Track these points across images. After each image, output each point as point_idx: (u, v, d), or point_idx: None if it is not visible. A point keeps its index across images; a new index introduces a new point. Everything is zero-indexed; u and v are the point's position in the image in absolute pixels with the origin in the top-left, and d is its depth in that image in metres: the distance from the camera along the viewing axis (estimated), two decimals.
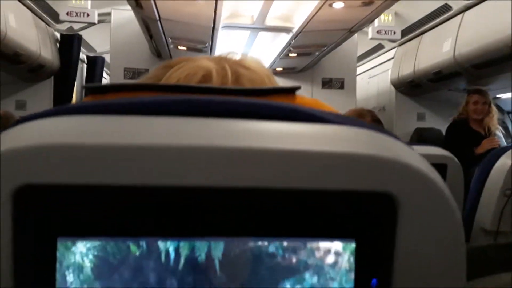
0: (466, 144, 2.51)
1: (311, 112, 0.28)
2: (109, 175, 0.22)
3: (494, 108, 2.68)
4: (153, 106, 0.27)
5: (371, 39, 3.51)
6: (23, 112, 3.33)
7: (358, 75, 4.15)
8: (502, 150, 1.01)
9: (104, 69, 4.37)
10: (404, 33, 3.51)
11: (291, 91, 0.33)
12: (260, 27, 2.96)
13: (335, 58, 3.76)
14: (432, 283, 0.25)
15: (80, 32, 3.72)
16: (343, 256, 0.24)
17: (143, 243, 0.23)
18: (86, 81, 4.05)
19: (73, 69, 3.70)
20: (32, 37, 3.14)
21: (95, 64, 4.09)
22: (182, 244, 0.23)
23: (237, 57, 0.42)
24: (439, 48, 3.11)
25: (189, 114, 0.26)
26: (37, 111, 0.28)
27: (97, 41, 4.24)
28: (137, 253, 0.23)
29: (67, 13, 3.24)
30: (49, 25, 3.54)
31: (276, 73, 3.83)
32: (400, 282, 0.24)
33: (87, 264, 0.22)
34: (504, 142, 2.75)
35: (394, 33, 3.42)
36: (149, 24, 2.80)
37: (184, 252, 0.23)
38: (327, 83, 3.93)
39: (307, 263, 0.24)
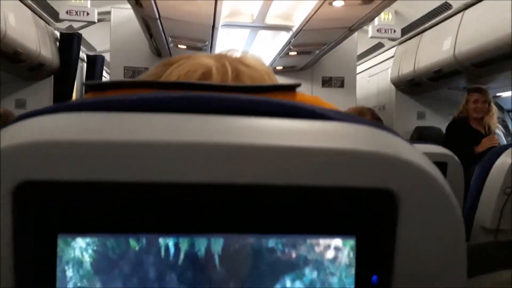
0: (466, 142, 2.51)
1: (312, 109, 0.27)
2: (109, 172, 0.22)
3: (494, 107, 2.68)
4: (153, 103, 0.27)
5: (371, 37, 3.51)
6: (23, 111, 3.31)
7: (358, 73, 4.15)
8: (502, 149, 1.01)
9: (104, 68, 4.36)
10: (404, 31, 3.50)
11: (291, 88, 0.33)
12: (260, 25, 2.95)
13: (335, 57, 3.76)
14: (433, 280, 0.25)
15: (80, 31, 3.71)
16: (343, 251, 0.24)
17: (142, 238, 0.23)
18: (86, 80, 4.05)
19: (73, 68, 3.69)
20: (32, 35, 3.14)
21: (95, 63, 4.09)
22: (181, 239, 0.23)
23: (237, 54, 0.42)
24: (439, 46, 3.10)
25: (189, 111, 0.26)
26: None
27: (97, 40, 4.23)
28: (137, 248, 0.23)
29: (66, 12, 3.24)
30: (48, 24, 3.53)
31: (276, 71, 3.82)
32: (400, 279, 0.24)
33: (87, 259, 0.22)
34: (504, 141, 2.75)
35: (394, 31, 3.42)
36: (149, 23, 2.80)
37: (183, 247, 0.23)
38: (327, 82, 3.93)
39: (307, 258, 0.24)
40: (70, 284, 0.22)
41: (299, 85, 0.33)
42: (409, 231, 0.24)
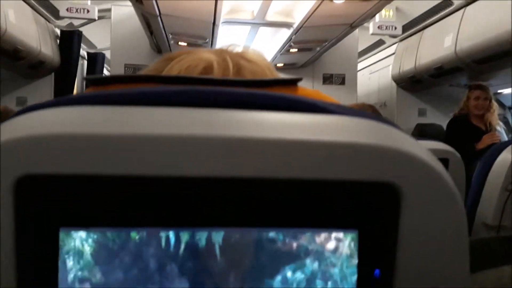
0: (467, 139, 2.50)
1: (313, 102, 0.27)
2: (109, 165, 0.22)
3: (495, 104, 2.67)
4: (154, 97, 0.27)
5: (372, 34, 3.49)
6: None
7: (359, 70, 4.14)
8: (504, 145, 1.01)
9: (105, 65, 4.36)
10: (405, 28, 3.49)
11: (292, 82, 0.33)
12: (261, 22, 2.95)
13: (336, 54, 3.75)
14: (435, 274, 0.24)
15: (80, 28, 3.71)
16: (343, 242, 0.24)
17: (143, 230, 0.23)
18: None
19: (74, 66, 3.69)
20: (32, 33, 3.13)
21: (96, 60, 4.09)
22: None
23: (238, 49, 0.42)
24: (440, 43, 3.10)
25: (190, 105, 0.26)
26: None
27: (97, 37, 4.23)
28: (137, 239, 0.23)
29: (67, 9, 3.23)
30: (49, 21, 3.53)
31: (277, 68, 3.76)
32: (403, 272, 0.24)
33: (87, 249, 0.22)
34: (505, 137, 2.74)
35: (395, 28, 3.40)
36: (149, 20, 2.79)
37: (184, 237, 0.23)
38: (328, 79, 3.92)
39: (308, 249, 0.23)
40: (71, 275, 0.22)
41: (300, 79, 0.33)
42: (412, 225, 0.24)
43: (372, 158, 0.23)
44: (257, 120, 0.24)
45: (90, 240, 0.22)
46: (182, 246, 0.23)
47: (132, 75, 0.31)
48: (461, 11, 2.92)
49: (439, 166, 0.25)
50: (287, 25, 2.93)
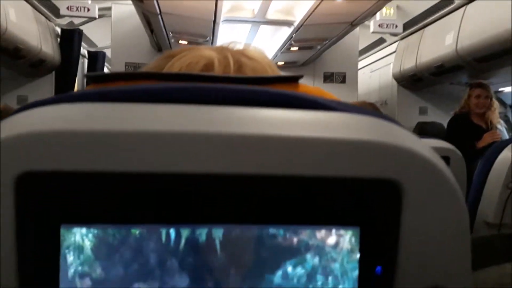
0: (467, 138, 2.50)
1: (314, 99, 0.27)
2: (110, 162, 0.22)
3: (495, 102, 2.67)
4: (155, 94, 0.26)
5: (373, 32, 3.49)
6: None
7: (360, 69, 4.13)
8: (505, 143, 1.01)
9: (105, 64, 4.36)
10: (406, 26, 3.49)
11: (294, 79, 0.32)
12: (261, 20, 2.95)
13: (337, 52, 3.75)
14: (437, 271, 0.24)
15: (81, 27, 3.71)
16: (344, 237, 0.24)
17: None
18: None
19: (74, 64, 3.69)
20: (33, 31, 3.13)
21: (96, 59, 4.08)
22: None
23: (239, 47, 0.42)
24: (441, 41, 3.09)
25: (191, 101, 0.26)
26: None
27: (98, 36, 4.23)
28: (138, 234, 0.22)
29: (67, 8, 3.23)
30: (49, 20, 3.53)
31: (278, 67, 3.79)
32: (404, 269, 0.24)
33: (87, 244, 0.22)
34: (506, 136, 2.73)
35: (396, 26, 3.40)
36: (149, 18, 2.79)
37: (184, 233, 0.23)
38: (328, 77, 3.92)
39: (308, 244, 0.23)
40: (71, 270, 0.22)
41: (301, 76, 0.33)
42: (413, 222, 0.24)
43: (374, 155, 0.23)
44: (258, 117, 0.24)
45: (90, 235, 0.22)
46: (183, 242, 0.23)
47: (133, 72, 0.31)
48: (462, 9, 2.92)
49: (440, 163, 0.24)
50: (287, 23, 2.93)
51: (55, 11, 3.43)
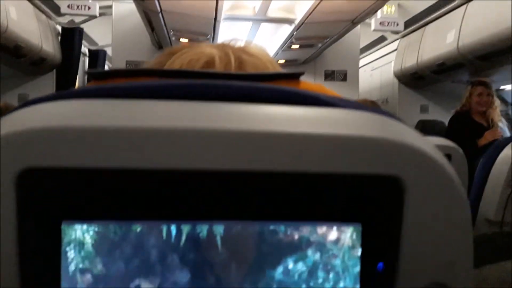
0: (468, 136, 2.49)
1: (316, 95, 0.27)
2: (111, 158, 0.22)
3: (496, 100, 2.66)
4: (155, 90, 0.26)
5: (374, 30, 3.49)
6: None
7: (361, 67, 4.13)
8: (506, 141, 1.01)
9: (106, 62, 4.36)
10: (407, 24, 3.48)
11: (295, 76, 0.32)
12: (262, 18, 2.94)
13: (338, 50, 3.74)
14: (439, 268, 0.24)
15: (82, 25, 3.71)
16: (345, 233, 0.23)
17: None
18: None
19: (75, 63, 3.69)
20: (34, 30, 3.13)
21: (97, 57, 4.09)
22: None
23: (240, 44, 0.42)
24: (442, 39, 3.08)
25: (192, 98, 0.26)
26: None
27: (98, 34, 4.23)
28: (138, 230, 0.22)
29: (68, 6, 3.23)
30: (50, 18, 3.52)
31: (279, 65, 3.80)
32: (406, 266, 0.24)
33: (88, 240, 0.22)
34: (507, 133, 2.72)
35: (397, 24, 3.40)
36: (150, 17, 2.79)
37: (185, 228, 0.23)
38: (329, 75, 3.91)
39: (309, 240, 0.23)
40: (72, 266, 0.22)
41: (302, 73, 0.33)
42: (415, 218, 0.24)
43: (376, 151, 0.23)
44: (260, 113, 0.24)
45: (91, 231, 0.22)
46: (184, 237, 0.23)
47: (134, 69, 0.31)
48: (464, 6, 2.91)
49: (442, 159, 0.24)
50: (288, 21, 2.93)
51: (56, 9, 3.43)
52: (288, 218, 0.23)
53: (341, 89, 3.75)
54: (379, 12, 3.15)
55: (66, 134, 0.21)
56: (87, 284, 0.22)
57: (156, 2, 2.43)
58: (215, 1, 2.35)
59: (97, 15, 3.35)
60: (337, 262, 0.24)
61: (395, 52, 3.92)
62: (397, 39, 3.90)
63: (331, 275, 0.24)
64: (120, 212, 0.22)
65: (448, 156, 1.07)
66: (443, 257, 0.24)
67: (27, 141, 0.21)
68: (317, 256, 0.24)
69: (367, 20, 3.10)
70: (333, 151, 0.23)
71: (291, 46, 3.36)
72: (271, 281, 0.23)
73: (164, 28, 2.95)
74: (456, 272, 0.25)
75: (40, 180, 0.21)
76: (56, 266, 0.22)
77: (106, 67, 4.44)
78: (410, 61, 3.59)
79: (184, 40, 3.20)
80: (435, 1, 3.14)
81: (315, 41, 3.28)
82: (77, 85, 3.82)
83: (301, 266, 0.23)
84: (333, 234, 0.23)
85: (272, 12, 2.86)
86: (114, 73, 0.31)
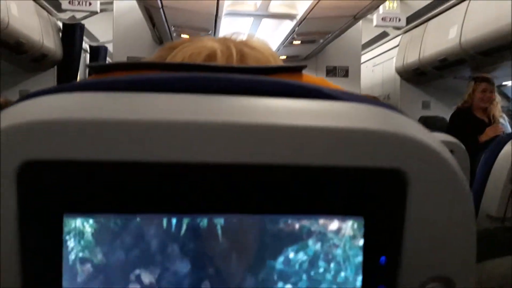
0: (470, 132, 2.49)
1: (319, 88, 0.27)
2: (112, 151, 0.21)
3: (497, 96, 2.65)
4: (157, 83, 0.26)
5: (376, 26, 3.47)
6: None
7: (362, 63, 4.12)
8: (508, 137, 1.00)
9: (107, 58, 4.36)
10: (409, 20, 3.46)
11: (297, 69, 0.32)
12: (264, 14, 2.93)
13: (340, 46, 3.73)
14: (442, 261, 0.24)
15: (83, 21, 3.70)
16: (347, 223, 0.23)
17: None
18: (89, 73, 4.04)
19: (76, 59, 3.69)
20: (35, 26, 3.13)
21: (98, 53, 4.08)
22: None
23: (242, 37, 0.42)
24: (445, 35, 3.07)
25: (194, 91, 0.25)
26: None
27: (99, 30, 4.22)
28: (139, 219, 0.22)
29: (69, 2, 3.23)
30: (51, 14, 3.52)
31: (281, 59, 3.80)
32: (409, 260, 0.24)
33: (88, 229, 0.22)
34: (509, 129, 2.71)
35: (399, 20, 3.38)
36: (151, 12, 2.78)
37: (186, 218, 0.23)
38: (331, 71, 3.90)
39: (310, 229, 0.23)
40: (72, 255, 0.22)
41: (305, 66, 0.33)
42: (418, 211, 0.23)
43: (378, 144, 0.23)
44: (262, 106, 0.24)
45: (91, 221, 0.22)
46: (184, 227, 0.23)
47: (135, 62, 0.31)
48: (466, 2, 2.89)
49: (445, 152, 0.24)
50: (290, 16, 2.92)
51: (57, 5, 3.42)
52: (290, 212, 0.23)
53: (343, 85, 3.70)
54: (381, 7, 3.14)
55: (67, 127, 0.21)
56: (87, 274, 0.22)
57: None
58: None
59: (98, 11, 3.34)
60: (338, 252, 0.24)
61: (397, 48, 3.90)
62: (399, 34, 3.88)
63: (332, 265, 0.24)
64: (121, 205, 0.22)
65: (450, 152, 1.07)
66: (446, 250, 0.24)
67: (28, 133, 0.21)
68: (318, 246, 0.23)
69: (369, 16, 3.08)
70: (335, 144, 0.23)
71: (292, 42, 3.35)
72: (272, 271, 0.23)
73: (165, 24, 2.95)
74: (459, 265, 0.24)
75: (41, 173, 0.21)
76: (57, 257, 0.22)
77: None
78: (412, 57, 3.58)
79: (185, 36, 3.19)
80: None
81: (317, 36, 3.27)
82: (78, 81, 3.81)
83: (302, 256, 0.23)
84: (334, 224, 0.23)
85: (274, 8, 2.85)
86: (115, 67, 0.31)
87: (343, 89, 0.30)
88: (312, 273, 0.23)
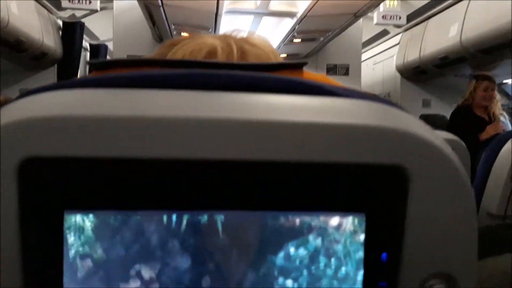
0: (470, 130, 2.48)
1: (320, 85, 0.27)
2: (112, 148, 0.21)
3: (497, 94, 2.65)
4: (157, 80, 0.26)
5: (376, 24, 3.46)
6: None
7: (363, 61, 4.11)
8: (509, 135, 1.00)
9: (108, 56, 4.35)
10: (409, 18, 3.45)
11: (298, 66, 0.32)
12: (264, 11, 2.93)
13: (340, 44, 3.72)
14: (443, 257, 0.24)
15: (83, 20, 3.69)
16: (347, 219, 0.23)
17: None
18: (89, 71, 4.04)
19: (76, 57, 3.69)
20: (35, 24, 3.12)
21: (98, 52, 4.08)
22: None
23: (242, 34, 0.42)
24: (445, 33, 3.06)
25: (194, 87, 0.25)
26: None
27: (99, 28, 4.21)
28: (139, 216, 0.22)
29: (69, 0, 3.22)
30: (51, 13, 3.51)
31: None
32: (410, 256, 0.24)
33: (88, 225, 0.22)
34: (509, 127, 2.71)
35: (400, 18, 3.37)
36: (151, 10, 2.77)
37: (186, 214, 0.23)
38: (331, 70, 3.90)
39: (311, 225, 0.23)
40: (72, 251, 0.22)
41: (306, 63, 0.32)
42: (419, 208, 0.23)
43: (379, 141, 0.23)
44: (263, 103, 0.24)
45: (91, 216, 0.22)
46: (184, 223, 0.23)
47: (135, 59, 0.31)
48: (467, 0, 2.89)
49: (447, 149, 0.24)
50: (290, 14, 2.91)
51: (57, 4, 3.41)
52: (291, 208, 0.23)
53: (343, 83, 3.64)
54: (381, 5, 3.13)
55: (67, 124, 0.21)
56: (87, 269, 0.22)
57: None
58: None
59: (98, 9, 3.33)
60: (339, 247, 0.23)
61: (398, 46, 3.90)
62: (400, 32, 3.88)
63: (332, 260, 0.23)
64: (122, 201, 0.22)
65: None
66: (448, 247, 0.24)
67: (28, 130, 0.21)
68: (319, 241, 0.23)
69: (370, 14, 3.08)
70: (336, 141, 0.23)
71: (293, 40, 3.34)
72: (273, 266, 0.23)
73: (165, 22, 2.94)
74: (461, 262, 0.24)
75: (41, 170, 0.21)
76: (58, 254, 0.22)
77: None
78: (412, 55, 3.57)
79: (185, 34, 3.19)
80: None
81: (317, 34, 3.26)
82: None
83: (302, 251, 0.23)
84: (335, 220, 0.23)
85: (274, 6, 2.84)
86: (115, 63, 0.31)
87: (344, 86, 0.30)
88: (313, 268, 0.23)
